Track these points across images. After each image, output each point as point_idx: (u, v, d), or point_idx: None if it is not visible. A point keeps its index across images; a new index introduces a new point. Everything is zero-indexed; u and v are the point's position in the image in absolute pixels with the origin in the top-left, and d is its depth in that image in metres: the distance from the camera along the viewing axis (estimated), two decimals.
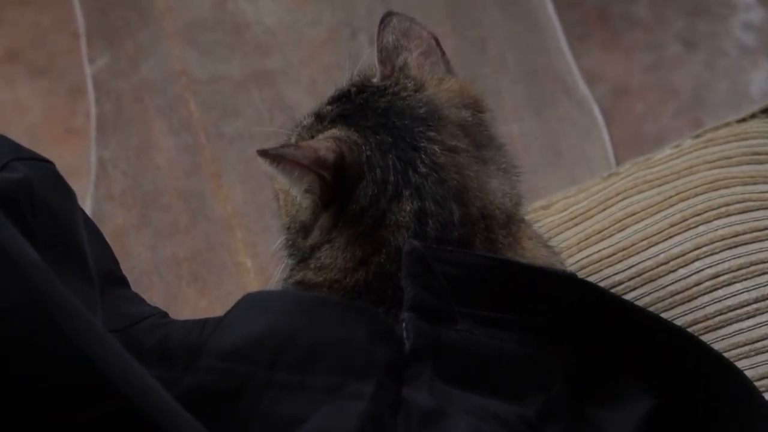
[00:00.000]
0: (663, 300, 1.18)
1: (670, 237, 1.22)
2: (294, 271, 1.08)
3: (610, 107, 2.05)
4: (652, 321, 0.98)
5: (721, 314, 1.15)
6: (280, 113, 1.97)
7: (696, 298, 1.17)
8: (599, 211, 1.30)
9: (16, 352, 0.77)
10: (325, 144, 1.03)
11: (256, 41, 2.11)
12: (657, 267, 1.20)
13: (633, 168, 1.38)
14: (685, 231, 1.22)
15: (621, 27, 2.16)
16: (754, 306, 1.15)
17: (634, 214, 1.27)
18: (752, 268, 1.17)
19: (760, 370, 1.11)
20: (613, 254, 1.24)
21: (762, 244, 1.19)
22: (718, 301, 1.16)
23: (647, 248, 1.22)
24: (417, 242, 0.95)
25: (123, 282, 1.11)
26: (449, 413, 0.88)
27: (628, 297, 1.20)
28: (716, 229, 1.21)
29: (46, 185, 0.92)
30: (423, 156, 1.02)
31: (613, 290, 1.21)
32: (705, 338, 1.14)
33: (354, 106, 1.07)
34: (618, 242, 1.25)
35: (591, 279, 1.23)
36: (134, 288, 1.11)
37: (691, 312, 1.16)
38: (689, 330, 1.15)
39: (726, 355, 1.12)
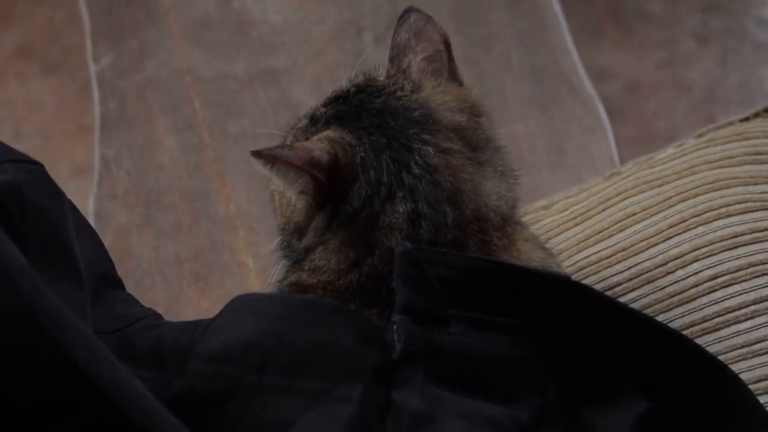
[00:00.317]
0: (661, 301, 1.17)
1: (669, 238, 1.21)
2: (289, 272, 1.08)
3: (622, 104, 2.04)
4: (647, 323, 0.98)
5: (719, 316, 1.15)
6: (285, 112, 1.97)
7: (694, 299, 1.16)
8: (599, 212, 1.30)
9: (0, 357, 0.77)
10: (319, 145, 1.02)
11: (261, 40, 2.11)
12: (655, 268, 1.20)
13: (634, 168, 1.37)
14: (685, 232, 1.21)
15: (633, 23, 2.15)
16: (753, 308, 1.14)
17: (633, 215, 1.26)
18: (751, 269, 1.16)
19: (758, 372, 1.11)
20: (612, 255, 1.23)
21: (761, 245, 1.18)
22: (717, 303, 1.15)
23: (646, 249, 1.22)
24: (409, 244, 0.94)
25: (118, 283, 1.11)
26: (440, 416, 0.88)
27: (626, 298, 1.19)
28: (716, 230, 1.20)
29: (35, 188, 0.92)
30: (417, 157, 1.01)
31: (611, 291, 1.20)
32: (703, 340, 1.13)
33: (349, 107, 1.06)
34: (617, 243, 1.24)
35: (590, 280, 1.23)
36: (136, 288, 1.11)
37: (689, 313, 1.16)
38: (687, 332, 1.14)
39: (724, 357, 1.12)
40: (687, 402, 0.95)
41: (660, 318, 1.16)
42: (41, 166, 0.96)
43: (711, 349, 1.12)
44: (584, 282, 1.23)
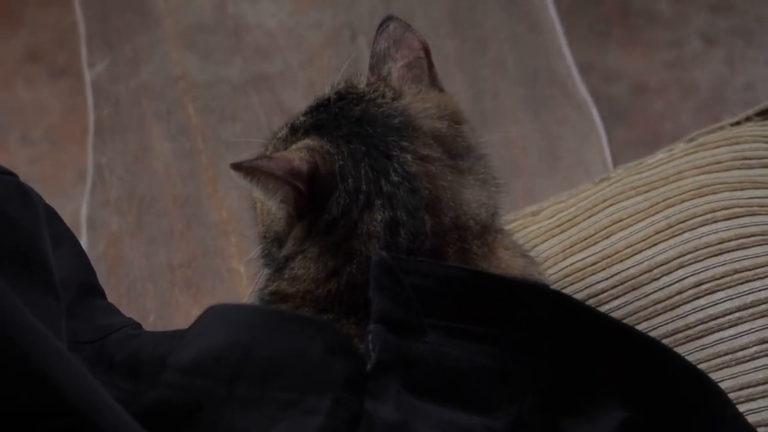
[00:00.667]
0: (645, 308, 1.17)
1: (655, 244, 1.21)
2: (269, 281, 1.08)
3: (628, 105, 2.04)
4: (626, 333, 0.97)
5: (702, 323, 1.14)
6: (279, 117, 1.96)
7: (678, 306, 1.15)
8: (585, 218, 1.29)
9: None
10: (298, 155, 1.02)
11: (256, 44, 2.10)
12: (640, 275, 1.19)
13: (624, 173, 1.36)
14: (670, 238, 1.21)
15: (641, 23, 2.15)
16: (737, 315, 1.13)
17: (620, 221, 1.26)
18: (736, 275, 1.16)
19: (741, 380, 1.10)
20: (597, 262, 1.23)
21: (746, 251, 1.18)
22: (700, 310, 1.14)
23: (631, 256, 1.21)
24: (384, 253, 0.94)
25: (99, 292, 1.11)
26: (414, 427, 0.87)
27: (610, 305, 1.18)
28: (701, 236, 1.20)
29: (8, 197, 0.92)
30: (395, 165, 1.01)
31: (596, 298, 1.20)
32: (686, 347, 1.13)
33: (329, 115, 1.06)
34: (602, 250, 1.24)
35: (575, 287, 1.22)
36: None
37: (672, 321, 1.15)
38: (671, 339, 1.14)
39: (707, 364, 1.11)
40: (666, 411, 0.94)
41: (644, 325, 1.15)
42: (14, 176, 0.96)
43: (694, 357, 1.12)
44: (569, 289, 1.22)
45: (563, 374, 0.94)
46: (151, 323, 1.70)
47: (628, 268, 1.20)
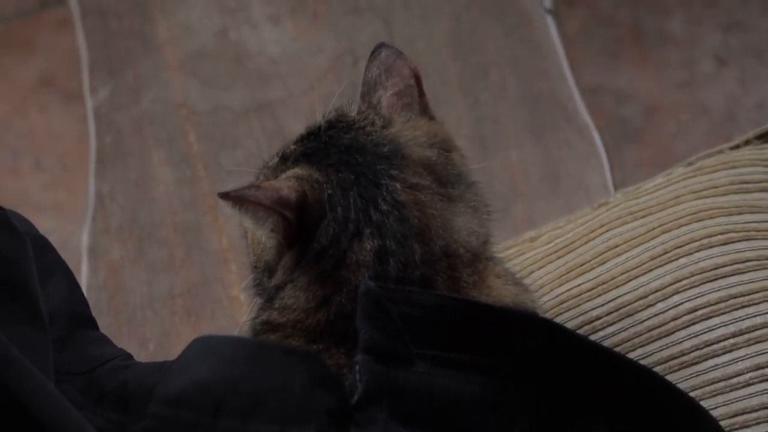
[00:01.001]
0: (640, 335, 1.16)
1: (650, 270, 1.20)
2: (261, 310, 1.07)
3: (641, 126, 2.03)
4: (617, 361, 0.97)
5: (697, 349, 1.13)
6: (280, 144, 1.95)
7: (673, 333, 1.15)
8: (582, 244, 1.28)
9: None
10: (287, 183, 1.02)
11: (257, 71, 2.11)
12: (636, 301, 1.18)
13: (622, 198, 1.36)
14: (666, 264, 1.20)
15: (653, 43, 2.14)
16: (731, 341, 1.13)
17: (616, 247, 1.25)
18: (731, 301, 1.15)
19: (734, 407, 1.09)
20: (593, 288, 1.22)
21: (741, 276, 1.17)
22: (695, 336, 1.14)
23: (626, 282, 1.20)
24: (372, 283, 0.94)
25: (92, 323, 1.11)
26: None
27: (605, 332, 1.18)
28: (697, 262, 1.19)
29: None
30: (384, 193, 1.01)
31: (591, 325, 1.19)
32: (680, 374, 1.12)
33: (319, 143, 1.06)
34: (598, 276, 1.23)
35: (570, 313, 1.21)
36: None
37: (667, 347, 1.14)
38: (665, 366, 1.13)
39: (701, 391, 1.11)
40: None
41: (639, 352, 1.15)
42: (2, 209, 0.96)
43: (689, 383, 1.11)
44: (565, 315, 1.22)
45: (553, 403, 0.94)
46: (151, 351, 1.71)
47: (623, 294, 1.20)
